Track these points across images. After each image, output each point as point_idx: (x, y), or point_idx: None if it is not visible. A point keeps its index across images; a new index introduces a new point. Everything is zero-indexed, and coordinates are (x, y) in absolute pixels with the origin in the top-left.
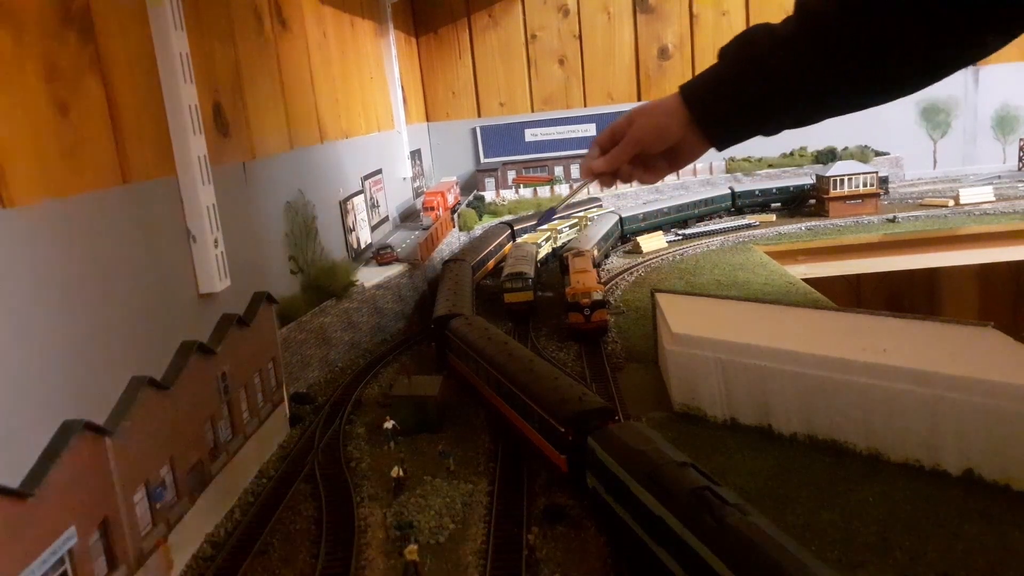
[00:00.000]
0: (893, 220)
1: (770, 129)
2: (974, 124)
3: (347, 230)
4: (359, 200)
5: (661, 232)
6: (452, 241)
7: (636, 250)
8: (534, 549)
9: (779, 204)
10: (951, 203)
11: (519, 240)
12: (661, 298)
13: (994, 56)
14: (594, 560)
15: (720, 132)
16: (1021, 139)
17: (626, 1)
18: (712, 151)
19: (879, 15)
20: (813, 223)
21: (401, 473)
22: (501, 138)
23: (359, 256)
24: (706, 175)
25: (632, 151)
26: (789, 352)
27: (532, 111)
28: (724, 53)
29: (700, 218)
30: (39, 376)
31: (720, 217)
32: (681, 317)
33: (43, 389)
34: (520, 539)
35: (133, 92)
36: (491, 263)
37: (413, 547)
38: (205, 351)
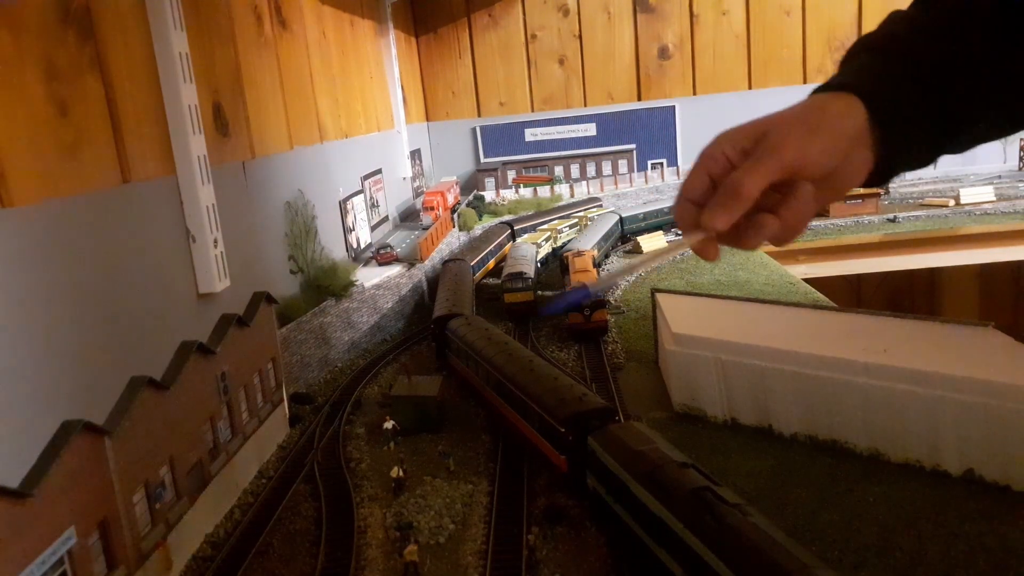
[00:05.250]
0: (893, 220)
1: (967, 130)
2: None
3: (347, 230)
4: (359, 200)
5: (661, 232)
6: (452, 241)
7: (636, 250)
8: (534, 549)
9: None
10: (951, 203)
11: (519, 240)
12: (661, 298)
13: None
14: (594, 560)
15: (908, 135)
16: (1022, 139)
17: (626, 1)
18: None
19: None
20: (813, 223)
21: (401, 473)
22: (501, 138)
23: (359, 256)
24: None
25: (769, 179)
26: (789, 352)
27: (532, 111)
28: (889, 37)
29: None
30: (38, 376)
31: None
32: (681, 317)
33: (43, 389)
34: (520, 539)
35: (133, 92)
36: (491, 263)
37: (413, 547)
38: (205, 351)
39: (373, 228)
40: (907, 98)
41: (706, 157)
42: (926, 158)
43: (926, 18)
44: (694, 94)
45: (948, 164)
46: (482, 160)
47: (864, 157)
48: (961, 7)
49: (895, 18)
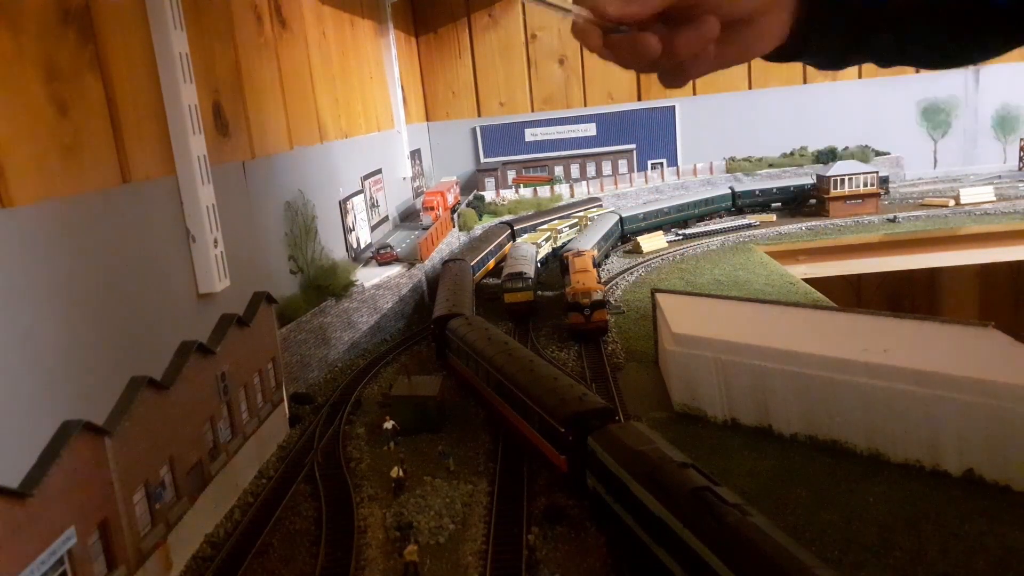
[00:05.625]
0: (893, 220)
1: (879, 37)
2: (975, 124)
3: (347, 230)
4: (359, 200)
5: (661, 232)
6: (452, 241)
7: (636, 250)
8: (534, 549)
9: (779, 204)
10: (951, 203)
11: (519, 240)
12: (661, 298)
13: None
14: (594, 560)
15: (827, 15)
16: (1021, 139)
17: None
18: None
19: None
20: (813, 223)
21: (401, 473)
22: (501, 138)
23: (359, 256)
24: (706, 175)
25: None
26: (789, 352)
27: (532, 111)
28: None
29: (700, 218)
30: (39, 376)
31: (720, 217)
32: (681, 317)
33: (43, 389)
34: (520, 539)
35: (133, 92)
36: (491, 263)
37: (413, 547)
38: (204, 351)
39: (373, 228)
40: None
41: None
42: (838, 49)
43: None
44: (694, 94)
45: (948, 164)
46: (482, 160)
47: (781, 21)
48: None
49: None
